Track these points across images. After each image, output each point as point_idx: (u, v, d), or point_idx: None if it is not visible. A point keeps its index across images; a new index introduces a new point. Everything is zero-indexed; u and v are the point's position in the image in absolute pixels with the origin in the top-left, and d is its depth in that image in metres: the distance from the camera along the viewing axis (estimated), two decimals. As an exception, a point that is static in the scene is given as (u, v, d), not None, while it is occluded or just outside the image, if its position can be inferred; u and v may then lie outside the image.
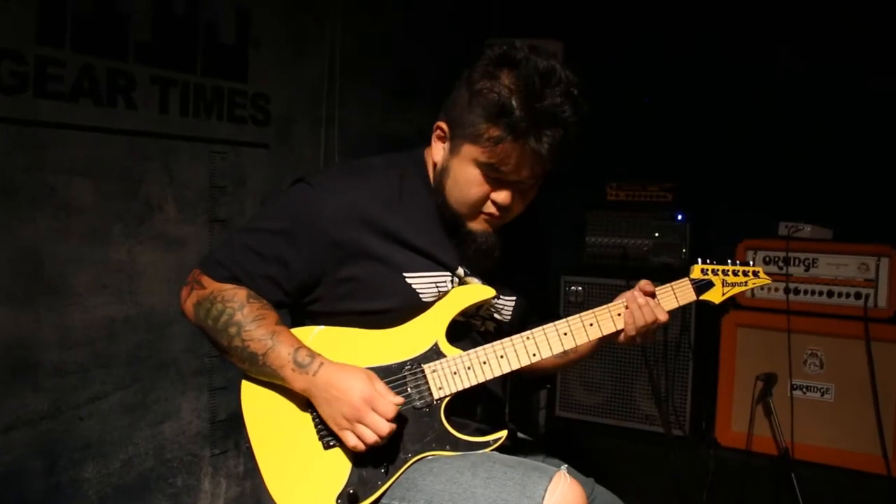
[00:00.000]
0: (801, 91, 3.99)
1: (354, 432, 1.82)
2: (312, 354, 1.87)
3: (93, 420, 2.91)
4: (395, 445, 1.89)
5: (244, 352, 1.88)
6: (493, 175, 1.87)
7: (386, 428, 1.81)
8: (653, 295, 2.02)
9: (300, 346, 1.88)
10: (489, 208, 1.92)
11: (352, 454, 1.88)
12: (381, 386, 1.85)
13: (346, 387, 1.82)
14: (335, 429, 1.85)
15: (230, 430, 3.40)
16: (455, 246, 1.99)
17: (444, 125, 1.94)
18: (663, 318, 2.00)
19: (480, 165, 1.86)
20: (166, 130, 3.07)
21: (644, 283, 2.03)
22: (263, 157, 3.48)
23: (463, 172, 1.89)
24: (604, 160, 4.19)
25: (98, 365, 2.91)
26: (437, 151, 1.96)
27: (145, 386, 3.09)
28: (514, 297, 2.13)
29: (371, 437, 1.81)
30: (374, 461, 1.87)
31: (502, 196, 1.89)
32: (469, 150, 1.87)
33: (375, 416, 1.81)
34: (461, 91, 1.90)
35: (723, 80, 4.19)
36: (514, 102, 1.79)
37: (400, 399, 1.86)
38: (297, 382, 1.86)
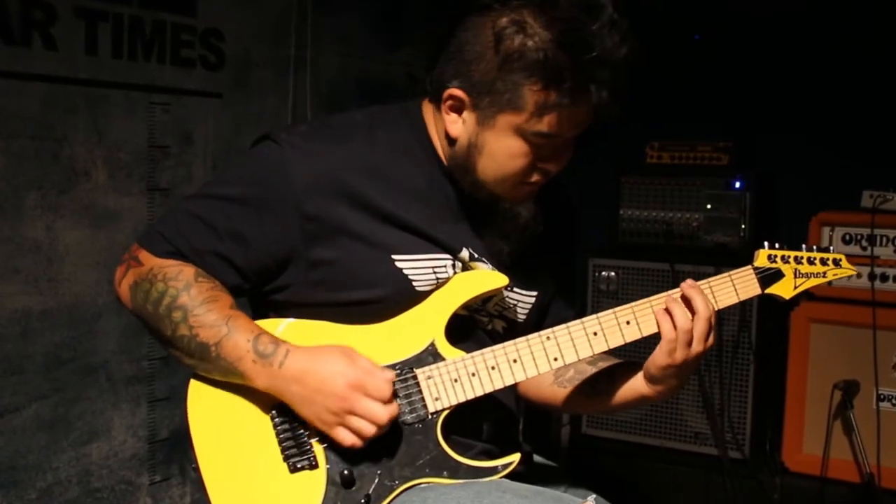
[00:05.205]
0: (888, 27, 3.96)
1: (347, 427, 1.82)
2: (276, 342, 1.86)
3: (2, 439, 2.91)
4: (380, 470, 1.87)
5: (192, 342, 1.88)
6: (543, 141, 1.88)
7: (385, 414, 1.81)
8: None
9: (261, 332, 1.87)
10: (535, 177, 1.95)
11: (324, 479, 1.86)
12: (364, 362, 1.85)
13: (325, 374, 1.82)
14: (323, 428, 1.85)
15: (174, 452, 3.40)
16: (458, 222, 1.99)
17: (460, 93, 1.91)
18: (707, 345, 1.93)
19: (527, 134, 1.87)
20: (94, 76, 3.06)
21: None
22: (216, 109, 3.47)
23: (503, 146, 1.90)
24: (643, 113, 4.17)
25: (8, 370, 2.91)
26: (454, 125, 1.95)
27: (68, 397, 3.08)
28: (533, 293, 2.12)
29: (369, 429, 1.81)
30: (352, 489, 1.86)
31: (555, 163, 1.94)
32: (509, 119, 1.87)
33: (368, 401, 1.81)
34: (477, 47, 1.87)
35: (792, 13, 4.15)
36: (563, 57, 1.78)
37: (391, 373, 1.86)
38: (260, 378, 1.85)
